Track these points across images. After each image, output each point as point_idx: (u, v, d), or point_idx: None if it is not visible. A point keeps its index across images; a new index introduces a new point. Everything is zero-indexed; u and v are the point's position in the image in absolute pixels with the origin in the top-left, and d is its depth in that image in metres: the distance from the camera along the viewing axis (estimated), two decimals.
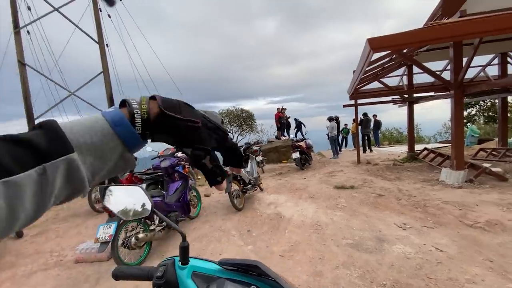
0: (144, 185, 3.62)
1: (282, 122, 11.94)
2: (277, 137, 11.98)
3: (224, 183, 0.48)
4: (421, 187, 4.72)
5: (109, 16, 10.44)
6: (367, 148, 11.24)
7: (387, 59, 6.42)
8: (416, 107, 8.65)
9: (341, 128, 13.17)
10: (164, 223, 3.01)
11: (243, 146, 5.68)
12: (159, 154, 4.77)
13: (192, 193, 3.99)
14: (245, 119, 18.02)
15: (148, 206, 0.74)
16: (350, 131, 13.04)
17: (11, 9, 9.34)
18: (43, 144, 0.27)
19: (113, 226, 2.45)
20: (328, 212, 3.80)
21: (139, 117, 0.34)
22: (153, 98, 0.37)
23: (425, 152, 7.78)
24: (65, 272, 2.73)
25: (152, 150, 5.31)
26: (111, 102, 10.42)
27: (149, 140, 0.38)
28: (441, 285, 1.99)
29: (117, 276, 0.70)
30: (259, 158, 7.44)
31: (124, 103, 0.36)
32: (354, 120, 11.56)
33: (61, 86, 11.06)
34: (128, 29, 10.71)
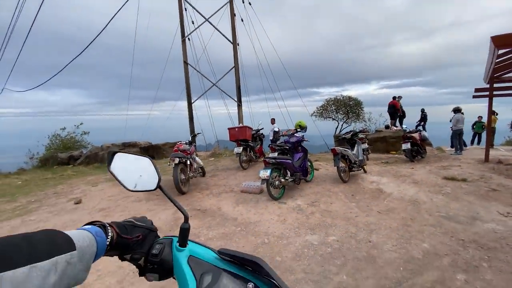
0: (274, 154, 5.23)
1: (396, 111, 11.52)
2: (387, 127, 11.69)
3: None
4: None
5: (242, 20, 13.08)
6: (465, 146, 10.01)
7: None
8: None
9: (473, 122, 11.28)
10: (294, 177, 4.54)
11: (349, 132, 6.52)
12: (282, 134, 6.37)
13: (308, 163, 5.37)
14: (352, 107, 17.86)
15: (155, 180, 0.67)
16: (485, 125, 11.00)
17: (180, 23, 13.32)
18: (58, 241, 0.41)
19: (269, 171, 4.14)
20: (429, 195, 4.30)
21: (109, 236, 0.52)
22: (111, 225, 0.56)
23: None
24: (236, 195, 4.71)
25: (278, 130, 7.03)
26: (238, 91, 13.17)
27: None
28: None
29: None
30: (364, 145, 7.96)
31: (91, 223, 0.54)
32: (493, 112, 9.77)
33: (207, 79, 14.78)
34: (251, 18, 13.13)
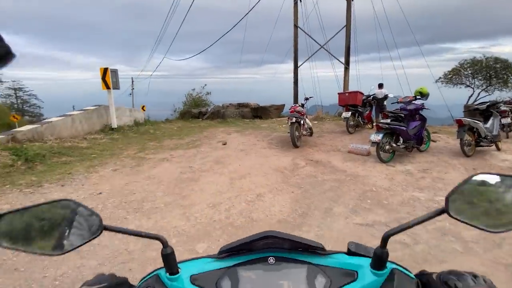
0: (387, 121, 5.31)
1: None
2: None
3: None
4: None
5: None
6: None
7: None
8: None
9: None
10: (406, 144, 4.70)
11: (485, 102, 5.61)
12: (398, 100, 6.18)
13: (425, 133, 5.23)
14: (498, 71, 13.86)
15: (95, 221, 0.49)
16: None
17: None
18: None
19: (381, 135, 4.48)
20: None
21: None
22: None
23: None
24: (344, 154, 5.29)
25: (393, 96, 6.82)
26: (347, 52, 12.63)
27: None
28: None
29: None
30: (507, 120, 6.58)
31: None
32: None
33: (316, 41, 14.69)
34: None
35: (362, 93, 7.23)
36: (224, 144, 6.19)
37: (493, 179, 0.45)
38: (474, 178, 0.46)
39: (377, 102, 8.00)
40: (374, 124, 7.87)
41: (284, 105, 15.86)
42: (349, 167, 4.46)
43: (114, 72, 8.51)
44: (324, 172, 4.22)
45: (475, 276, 0.41)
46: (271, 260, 0.49)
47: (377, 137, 4.50)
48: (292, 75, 15.57)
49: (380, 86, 8.29)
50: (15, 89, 28.03)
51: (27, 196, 3.11)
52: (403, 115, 5.06)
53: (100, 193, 3.33)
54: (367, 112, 7.49)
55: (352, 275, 0.47)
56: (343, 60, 12.78)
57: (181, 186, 3.65)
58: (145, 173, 4.18)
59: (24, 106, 29.17)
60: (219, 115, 16.67)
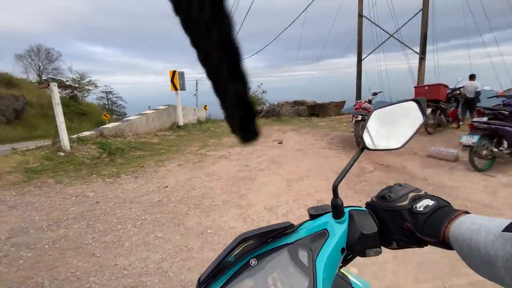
0: (483, 119, 4.27)
1: None
2: None
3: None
4: None
5: None
6: None
7: None
8: None
9: None
10: None
11: None
12: (498, 94, 4.94)
13: None
14: None
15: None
16: None
17: None
18: None
19: (476, 137, 3.60)
20: None
21: None
22: None
23: None
24: (422, 159, 4.50)
25: (490, 90, 5.52)
26: (423, 40, 10.90)
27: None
28: None
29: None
30: None
31: None
32: None
33: (383, 29, 13.19)
34: None
35: (446, 86, 6.05)
36: (280, 143, 6.01)
37: (385, 110, 0.57)
38: (372, 114, 0.58)
39: (466, 97, 6.60)
40: (461, 123, 6.53)
41: (344, 101, 14.78)
42: (431, 175, 3.73)
43: (181, 74, 9.24)
44: (398, 180, 3.62)
45: (399, 185, 0.49)
46: (253, 262, 0.47)
47: (470, 139, 3.64)
48: (354, 69, 14.35)
49: (472, 77, 6.80)
50: (106, 93, 33.63)
51: (108, 185, 3.53)
52: (507, 112, 3.99)
53: (166, 186, 3.56)
54: (452, 109, 6.25)
55: (323, 234, 0.49)
56: (417, 50, 11.10)
57: (238, 184, 3.62)
58: (205, 169, 4.32)
59: (112, 107, 34.73)
60: (274, 113, 16.64)
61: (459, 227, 0.36)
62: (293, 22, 13.61)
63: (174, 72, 8.88)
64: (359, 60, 13.95)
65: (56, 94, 4.21)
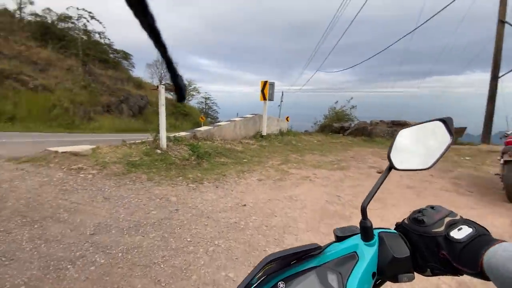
0: None
1: None
2: None
3: None
4: None
5: None
6: None
7: None
8: None
9: None
10: None
11: None
12: None
13: None
14: None
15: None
16: None
17: None
18: None
19: None
20: None
21: None
22: None
23: None
24: None
25: None
26: None
27: None
28: None
29: None
30: None
31: None
32: None
33: None
34: None
35: None
36: (379, 173, 4.86)
37: (412, 130, 0.56)
38: (399, 134, 0.56)
39: None
40: None
41: (465, 128, 11.74)
42: None
43: (272, 85, 9.18)
44: None
45: (432, 207, 0.48)
46: (281, 285, 0.45)
47: None
48: (472, 89, 11.21)
49: None
50: (205, 98, 38.53)
51: (190, 191, 3.43)
52: None
53: (244, 205, 3.17)
54: None
55: (353, 257, 0.48)
56: None
57: (328, 222, 2.87)
58: (287, 191, 3.77)
59: (208, 111, 39.40)
60: (364, 132, 14.83)
61: (493, 255, 0.35)
62: (407, 34, 11.77)
63: (265, 82, 8.87)
64: (494, 78, 10.80)
65: (162, 95, 4.56)
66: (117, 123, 16.26)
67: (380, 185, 0.51)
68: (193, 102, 35.58)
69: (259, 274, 0.43)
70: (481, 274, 0.36)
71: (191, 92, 34.80)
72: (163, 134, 4.72)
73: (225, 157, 5.49)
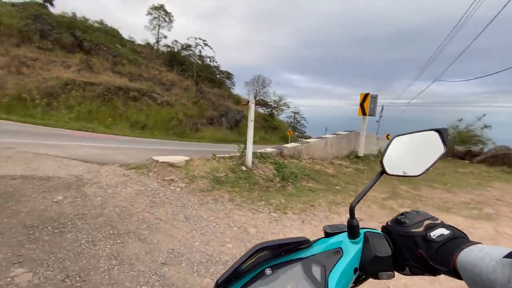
0: None
1: None
2: None
3: None
4: None
5: None
6: None
7: None
8: None
9: None
10: None
11: None
12: None
13: None
14: None
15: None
16: None
17: None
18: None
19: None
20: None
21: None
22: None
23: None
24: None
25: None
26: None
27: None
28: None
29: None
30: None
31: None
32: None
33: None
34: None
35: None
36: None
37: (406, 138, 0.57)
38: (393, 141, 0.58)
39: None
40: None
41: None
42: None
43: (374, 98, 7.85)
44: None
45: (416, 212, 0.50)
46: (268, 271, 0.48)
47: None
48: None
49: None
50: (294, 113, 38.61)
51: (271, 223, 2.92)
52: None
53: None
54: None
55: (337, 252, 0.51)
56: None
57: None
58: None
59: (296, 125, 39.25)
60: (506, 160, 11.00)
61: (467, 255, 0.37)
62: None
63: (366, 95, 7.65)
64: None
65: (252, 111, 4.36)
66: (217, 134, 18.27)
67: (370, 188, 0.55)
68: (282, 116, 36.31)
69: (252, 260, 0.45)
70: (454, 272, 0.39)
71: (281, 107, 35.71)
72: (249, 151, 4.50)
73: (313, 181, 4.78)
